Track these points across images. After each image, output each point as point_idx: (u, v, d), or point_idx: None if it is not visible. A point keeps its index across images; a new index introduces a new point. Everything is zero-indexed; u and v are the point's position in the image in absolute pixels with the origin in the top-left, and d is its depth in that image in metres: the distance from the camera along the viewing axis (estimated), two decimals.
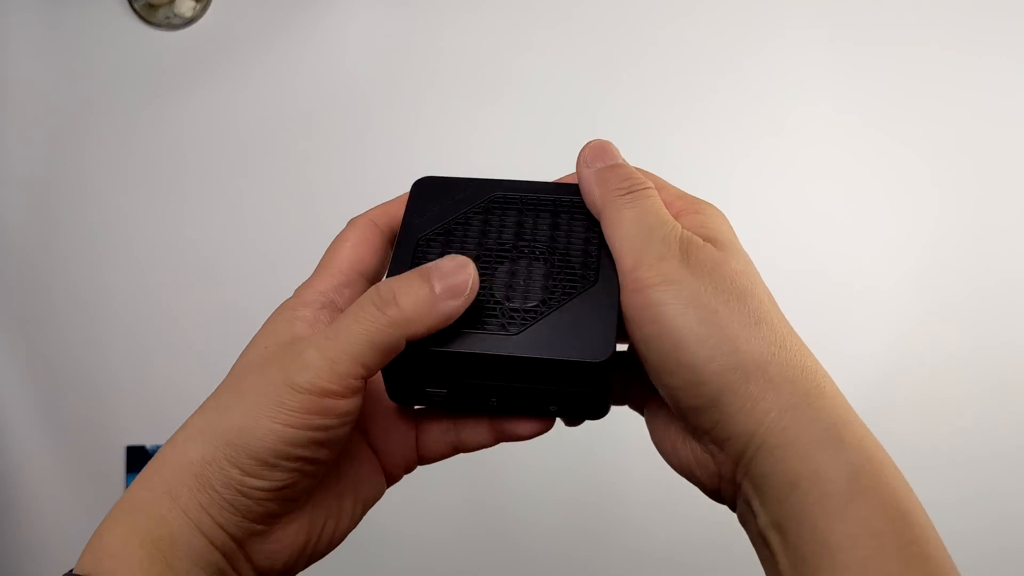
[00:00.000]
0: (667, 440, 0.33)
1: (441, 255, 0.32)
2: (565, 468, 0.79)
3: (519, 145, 0.79)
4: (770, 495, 0.29)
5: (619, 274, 0.31)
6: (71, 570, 0.28)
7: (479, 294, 0.32)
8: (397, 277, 0.30)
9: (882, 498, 0.28)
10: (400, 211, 0.35)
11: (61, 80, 0.80)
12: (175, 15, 0.80)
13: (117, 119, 0.80)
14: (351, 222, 0.34)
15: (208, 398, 0.31)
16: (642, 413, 0.35)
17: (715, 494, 0.32)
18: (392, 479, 0.35)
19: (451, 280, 0.30)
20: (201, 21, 0.81)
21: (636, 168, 0.34)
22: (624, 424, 0.79)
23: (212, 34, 0.81)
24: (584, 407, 0.33)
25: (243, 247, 0.77)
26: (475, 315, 0.32)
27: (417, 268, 0.31)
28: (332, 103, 0.80)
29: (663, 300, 0.29)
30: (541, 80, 0.80)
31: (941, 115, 0.79)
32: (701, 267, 0.30)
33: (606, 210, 0.32)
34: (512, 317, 0.32)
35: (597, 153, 0.34)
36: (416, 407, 0.35)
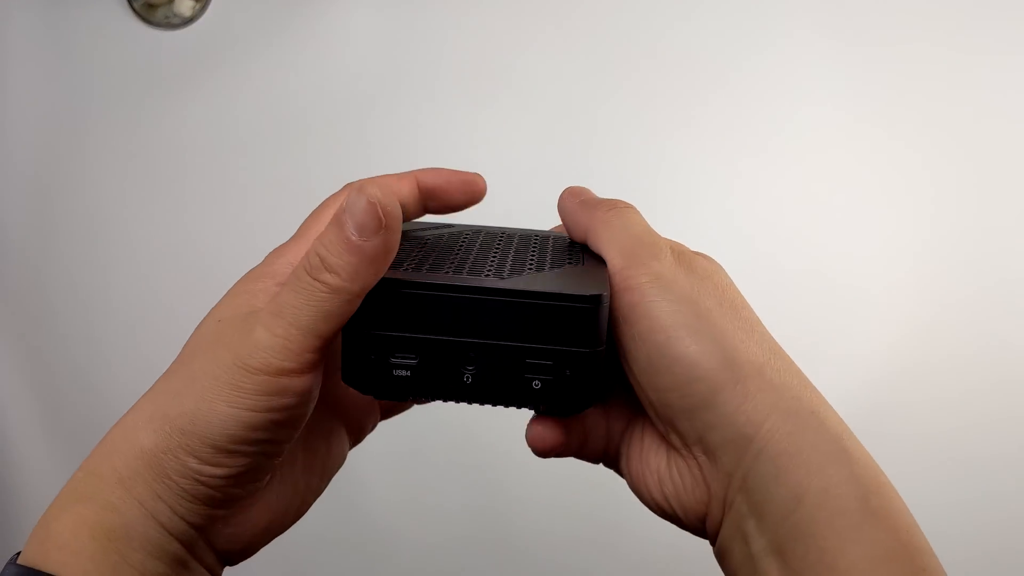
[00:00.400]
0: (648, 471, 0.31)
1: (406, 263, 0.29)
2: (566, 471, 0.79)
3: (520, 145, 0.79)
4: (770, 511, 0.27)
5: (610, 275, 0.30)
6: (15, 556, 0.27)
7: (461, 254, 0.29)
8: (320, 233, 0.28)
9: (894, 521, 0.26)
10: (406, 189, 0.32)
11: (60, 80, 0.80)
12: (174, 14, 0.80)
13: (116, 119, 0.80)
14: (346, 187, 0.32)
15: (159, 379, 0.29)
16: (618, 464, 0.32)
17: (699, 525, 0.30)
18: (356, 441, 0.34)
19: (361, 217, 0.27)
20: (200, 20, 0.81)
21: None
22: None
23: (211, 33, 0.81)
24: (574, 383, 0.28)
25: (243, 246, 0.77)
26: (458, 266, 0.29)
27: (333, 216, 0.28)
28: (332, 102, 0.80)
29: (656, 296, 0.28)
30: (543, 80, 0.80)
31: (943, 114, 0.79)
32: (693, 272, 0.30)
33: (593, 225, 0.31)
34: (500, 269, 0.30)
35: (577, 191, 0.33)
36: (376, 398, 0.31)
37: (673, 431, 0.29)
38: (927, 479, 0.78)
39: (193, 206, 0.79)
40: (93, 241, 0.79)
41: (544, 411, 0.31)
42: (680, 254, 0.30)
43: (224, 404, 0.27)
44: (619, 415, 0.32)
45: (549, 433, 0.31)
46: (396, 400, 0.30)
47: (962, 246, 0.79)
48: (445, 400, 0.30)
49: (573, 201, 0.33)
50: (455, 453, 0.79)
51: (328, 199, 0.32)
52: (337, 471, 0.33)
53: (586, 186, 0.34)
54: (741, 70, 0.80)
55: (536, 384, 0.28)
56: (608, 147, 0.78)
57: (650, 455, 0.31)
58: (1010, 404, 0.80)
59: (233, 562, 0.30)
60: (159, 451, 0.27)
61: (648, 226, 0.31)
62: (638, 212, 0.32)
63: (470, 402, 0.30)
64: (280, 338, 0.27)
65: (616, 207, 0.32)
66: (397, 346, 0.28)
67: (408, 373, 0.28)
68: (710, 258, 0.31)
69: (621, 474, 0.32)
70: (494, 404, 0.30)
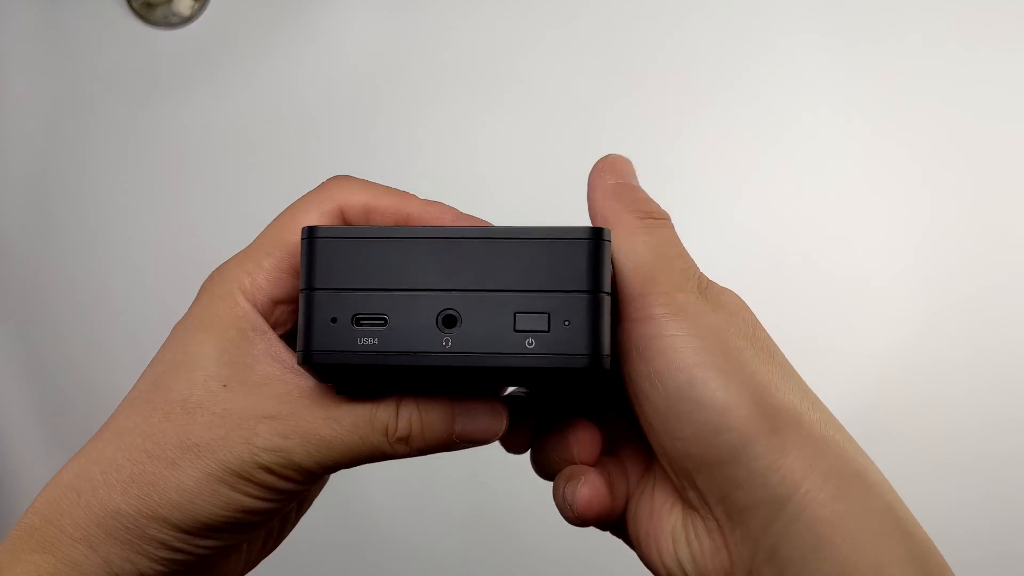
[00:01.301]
0: (660, 533, 0.27)
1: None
2: None
3: (524, 146, 0.78)
4: None
5: (621, 302, 0.26)
6: None
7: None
8: (418, 406, 0.26)
9: None
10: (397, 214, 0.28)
11: (58, 79, 0.80)
12: (173, 14, 0.80)
13: (115, 118, 0.80)
14: (331, 180, 0.29)
15: (131, 432, 0.26)
16: (624, 526, 0.29)
17: None
18: None
19: (475, 428, 0.26)
20: (200, 20, 0.80)
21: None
22: None
23: (211, 33, 0.80)
24: (575, 339, 0.24)
25: (242, 246, 0.77)
26: None
27: (444, 401, 0.26)
28: (333, 102, 0.80)
29: (678, 329, 0.25)
30: (547, 81, 0.80)
31: (946, 112, 0.79)
32: (722, 307, 0.26)
33: (618, 227, 0.27)
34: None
35: (615, 167, 0.29)
36: (337, 387, 0.27)
37: (691, 487, 0.26)
38: (930, 479, 0.78)
39: (192, 206, 0.79)
40: (91, 240, 0.79)
41: (538, 394, 0.28)
42: (708, 286, 0.27)
43: (220, 508, 0.25)
44: (627, 466, 0.29)
45: (590, 491, 0.27)
46: (357, 389, 0.27)
47: (967, 245, 0.79)
48: (415, 377, 0.25)
49: (606, 181, 0.28)
50: (457, 457, 0.78)
51: (303, 198, 0.29)
52: (319, 494, 0.31)
53: (619, 167, 0.29)
54: (743, 69, 0.79)
55: (529, 343, 0.24)
56: (612, 147, 0.78)
57: (663, 514, 0.27)
58: (1016, 404, 0.79)
59: None
60: (140, 516, 0.25)
61: (682, 248, 0.27)
62: (673, 228, 0.28)
63: (447, 382, 0.26)
64: (302, 469, 0.26)
65: (650, 216, 0.27)
66: (363, 305, 0.24)
67: (375, 341, 0.24)
68: (735, 294, 0.28)
69: (627, 537, 0.29)
70: (475, 387, 0.26)
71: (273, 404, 0.26)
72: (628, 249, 0.27)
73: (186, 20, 0.80)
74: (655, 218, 0.28)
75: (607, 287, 0.24)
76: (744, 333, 0.26)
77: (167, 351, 0.28)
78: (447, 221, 0.28)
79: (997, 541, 0.79)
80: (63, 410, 0.77)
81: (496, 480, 0.79)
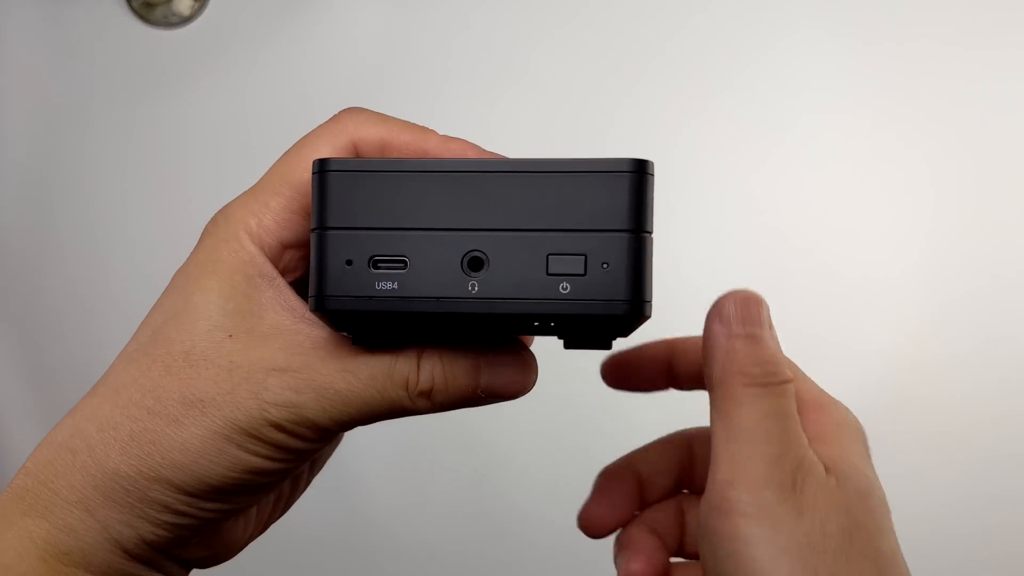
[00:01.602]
0: None
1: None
2: (569, 476, 0.78)
3: (529, 144, 0.78)
4: None
5: (709, 477, 0.24)
6: None
7: None
8: (440, 358, 0.24)
9: None
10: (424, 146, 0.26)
11: (57, 79, 0.80)
12: (173, 13, 0.80)
13: (114, 118, 0.80)
14: (343, 112, 0.27)
15: (129, 387, 0.24)
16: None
17: None
18: None
19: (502, 382, 0.24)
20: (199, 19, 0.80)
21: (780, 351, 0.25)
22: (628, 431, 0.78)
23: (210, 32, 0.80)
24: (614, 283, 0.21)
25: None
26: None
27: (469, 351, 0.24)
28: (333, 102, 0.79)
29: (752, 537, 0.22)
30: (550, 79, 0.79)
31: (952, 109, 0.79)
32: (814, 508, 0.23)
33: (723, 390, 0.24)
34: None
35: (742, 312, 0.25)
36: (354, 337, 0.25)
37: None
38: (933, 478, 0.78)
39: (192, 205, 0.79)
40: (90, 240, 0.79)
41: (575, 341, 0.25)
42: (805, 477, 0.23)
43: (226, 468, 0.24)
44: None
45: (601, 509, 0.26)
46: (375, 339, 0.24)
47: (971, 242, 0.79)
48: (438, 325, 0.23)
49: (727, 330, 0.25)
50: (458, 457, 0.78)
51: (313, 132, 0.27)
52: (332, 453, 0.29)
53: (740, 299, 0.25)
54: (747, 67, 0.79)
55: (564, 288, 0.21)
56: (616, 143, 0.78)
57: None
58: (1020, 402, 0.79)
59: (203, 566, 0.27)
60: (140, 478, 0.24)
61: (789, 425, 0.24)
62: (790, 396, 0.25)
63: (473, 331, 0.24)
64: (317, 425, 0.24)
65: (767, 383, 0.24)
66: (382, 246, 0.22)
67: (395, 286, 0.22)
68: (867, 478, 0.24)
69: None
70: (503, 335, 0.24)
71: (283, 356, 0.24)
72: (729, 419, 0.24)
73: (186, 20, 0.80)
74: (771, 384, 0.24)
75: (650, 226, 0.22)
76: (828, 544, 0.22)
77: (167, 300, 0.26)
78: (471, 157, 0.26)
79: (1002, 539, 0.79)
80: (63, 409, 0.77)
81: (497, 480, 0.79)
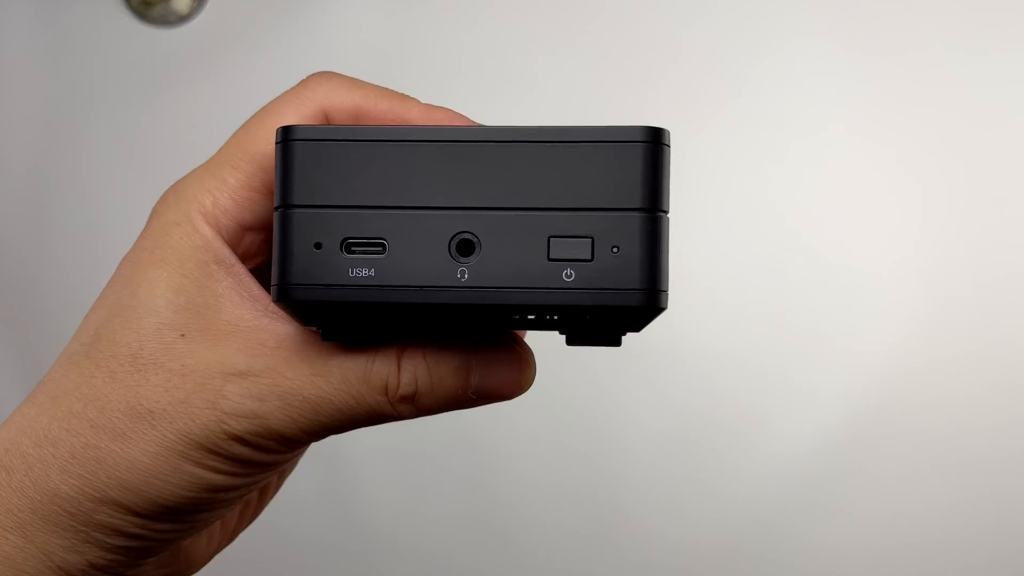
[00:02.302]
0: None
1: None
2: (569, 477, 0.78)
3: None
4: None
5: None
6: None
7: None
8: (425, 356, 0.21)
9: None
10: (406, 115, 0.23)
11: (55, 78, 0.79)
12: (171, 12, 0.79)
13: (112, 117, 0.79)
14: (312, 77, 0.24)
15: (69, 396, 0.21)
16: None
17: None
18: None
19: (495, 383, 0.21)
20: (197, 18, 0.80)
21: None
22: (628, 431, 0.78)
23: (208, 31, 0.80)
24: (626, 271, 0.18)
25: None
26: None
27: (457, 348, 0.21)
28: None
29: None
30: (549, 79, 0.79)
31: (951, 108, 0.78)
32: None
33: None
34: None
35: None
36: (324, 333, 0.22)
37: None
38: (933, 480, 0.78)
39: None
40: (89, 240, 0.79)
41: (580, 336, 0.22)
42: None
43: (183, 489, 0.21)
44: None
45: None
46: (349, 334, 0.21)
47: (972, 243, 0.78)
48: (423, 318, 0.20)
49: None
50: (458, 457, 0.78)
51: (279, 98, 0.25)
52: (298, 462, 0.26)
53: None
54: (746, 66, 0.79)
55: (568, 275, 0.19)
56: None
57: None
58: (1021, 404, 0.79)
59: None
60: (85, 500, 0.21)
61: None
62: None
63: (462, 324, 0.21)
64: (282, 434, 0.21)
65: None
66: (356, 227, 0.19)
67: (372, 273, 0.19)
68: None
69: None
70: (499, 325, 0.21)
71: (243, 357, 0.21)
72: None
73: (184, 18, 0.80)
74: None
75: (666, 205, 0.19)
76: None
77: (111, 293, 0.23)
78: None
79: (1000, 541, 0.78)
80: None
81: (497, 480, 0.79)
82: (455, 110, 0.24)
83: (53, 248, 0.79)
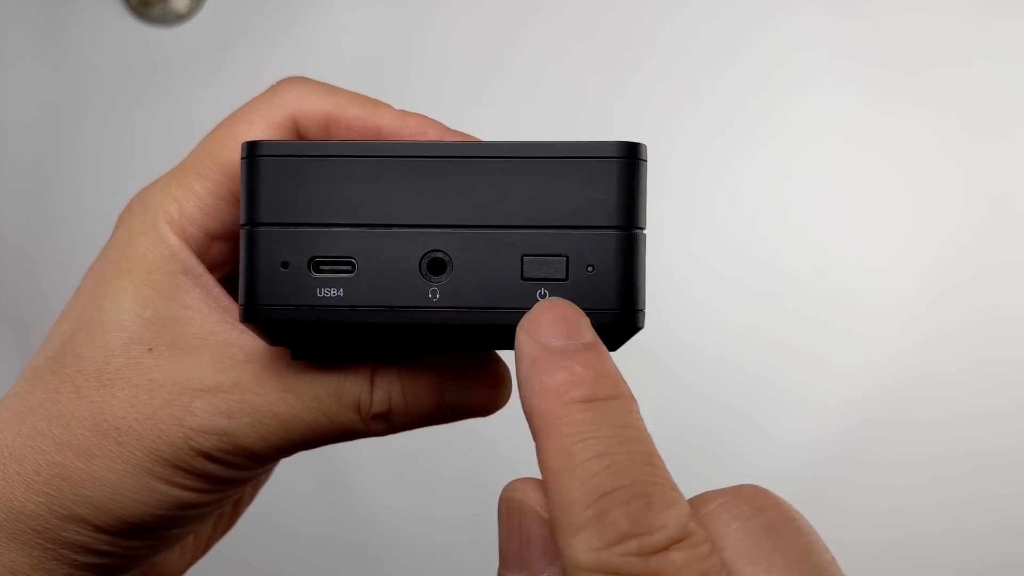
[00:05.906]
0: None
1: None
2: None
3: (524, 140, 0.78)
4: None
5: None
6: None
7: None
8: (399, 374, 0.20)
9: None
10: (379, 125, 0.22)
11: (54, 78, 0.79)
12: (169, 11, 0.79)
13: (111, 117, 0.79)
14: (281, 83, 0.23)
15: (34, 411, 0.20)
16: None
17: None
18: None
19: (469, 400, 0.20)
20: (196, 17, 0.80)
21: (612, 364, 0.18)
22: None
23: (207, 30, 0.80)
24: (602, 289, 0.18)
25: None
26: None
27: (431, 365, 0.20)
28: None
29: None
30: (542, 76, 0.79)
31: (959, 113, 0.77)
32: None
33: (545, 425, 0.17)
34: None
35: (553, 321, 0.17)
36: (293, 352, 0.21)
37: None
38: (933, 492, 0.77)
39: None
40: (88, 241, 0.79)
41: None
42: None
43: (151, 507, 0.20)
44: None
45: None
46: (319, 353, 0.21)
47: (976, 252, 0.78)
48: (394, 338, 0.19)
49: (534, 343, 0.17)
50: (458, 458, 0.78)
51: (247, 105, 0.24)
52: (272, 473, 0.26)
53: None
54: (745, 65, 0.79)
55: (542, 295, 0.18)
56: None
57: None
58: (1017, 414, 0.79)
59: None
60: (51, 517, 0.20)
61: (635, 446, 0.17)
62: (632, 409, 0.18)
63: (434, 343, 0.20)
64: (249, 451, 0.20)
65: (594, 399, 0.17)
66: (324, 246, 0.18)
67: (341, 293, 0.19)
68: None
69: None
70: (472, 345, 0.20)
71: (212, 373, 0.21)
72: (552, 460, 0.17)
73: (182, 18, 0.80)
74: (601, 399, 0.17)
75: (643, 222, 0.19)
76: None
77: (77, 305, 0.23)
78: (431, 138, 0.22)
79: (1001, 548, 0.78)
80: None
81: (497, 480, 0.79)
82: (438, 116, 0.23)
83: (50, 247, 0.79)
